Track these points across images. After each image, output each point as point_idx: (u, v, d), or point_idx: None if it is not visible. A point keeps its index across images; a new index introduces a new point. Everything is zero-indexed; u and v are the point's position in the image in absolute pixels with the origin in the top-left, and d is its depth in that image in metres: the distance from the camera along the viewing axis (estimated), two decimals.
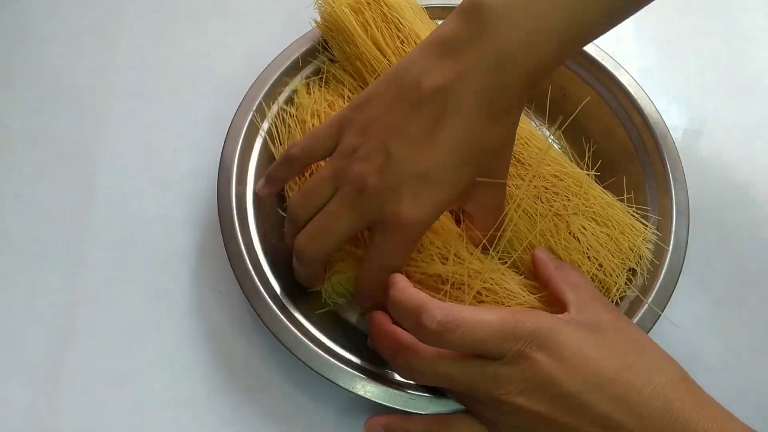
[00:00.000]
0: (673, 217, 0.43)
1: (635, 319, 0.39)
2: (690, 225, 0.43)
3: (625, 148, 0.46)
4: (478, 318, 0.31)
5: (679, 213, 0.43)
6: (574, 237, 0.41)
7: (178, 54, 0.54)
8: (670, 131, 0.46)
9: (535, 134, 0.45)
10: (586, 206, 0.42)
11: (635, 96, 0.45)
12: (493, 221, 0.40)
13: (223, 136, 0.50)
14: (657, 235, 0.42)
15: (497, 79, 0.33)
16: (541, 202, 0.42)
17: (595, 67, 0.47)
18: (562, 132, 0.47)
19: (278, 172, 0.41)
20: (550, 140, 0.47)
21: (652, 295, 0.40)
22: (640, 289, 0.41)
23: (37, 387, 0.43)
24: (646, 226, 0.42)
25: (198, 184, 0.49)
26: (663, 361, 0.33)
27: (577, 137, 0.47)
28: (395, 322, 0.37)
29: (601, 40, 0.47)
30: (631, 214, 0.42)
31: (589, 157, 0.45)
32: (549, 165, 0.43)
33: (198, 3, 0.56)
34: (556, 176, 0.42)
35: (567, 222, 0.41)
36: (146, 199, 0.48)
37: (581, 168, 0.44)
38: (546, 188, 0.42)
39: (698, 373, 0.44)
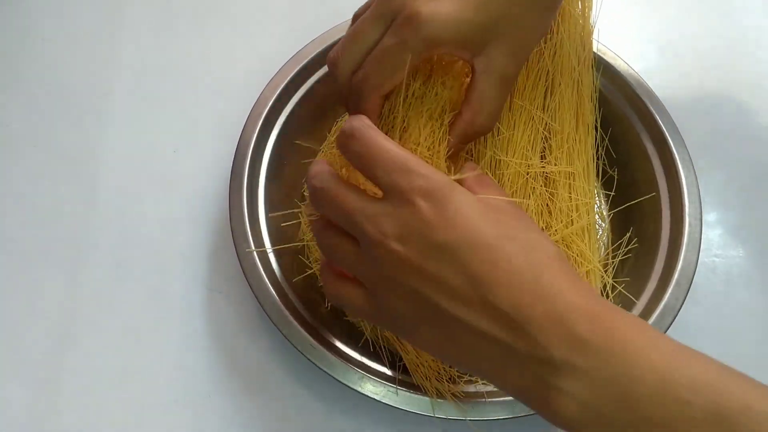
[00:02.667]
0: (682, 251, 0.42)
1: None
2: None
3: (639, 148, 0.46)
4: (384, 143, 0.31)
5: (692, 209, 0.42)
6: None
7: (179, 54, 0.54)
8: None
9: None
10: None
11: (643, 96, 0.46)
12: (490, 102, 0.37)
13: (223, 136, 0.50)
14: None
15: None
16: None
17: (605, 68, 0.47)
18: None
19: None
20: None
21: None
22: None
23: (37, 387, 0.43)
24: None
25: (199, 184, 0.49)
26: (546, 242, 0.31)
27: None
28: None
29: (601, 41, 0.47)
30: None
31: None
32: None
33: (199, 4, 0.56)
34: (566, 246, 0.42)
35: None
36: (147, 199, 0.48)
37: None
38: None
39: None
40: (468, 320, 0.29)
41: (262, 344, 0.44)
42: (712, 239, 0.48)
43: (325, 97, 0.47)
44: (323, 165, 0.33)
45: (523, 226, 0.31)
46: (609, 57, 0.46)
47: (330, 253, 0.33)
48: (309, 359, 0.39)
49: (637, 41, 0.55)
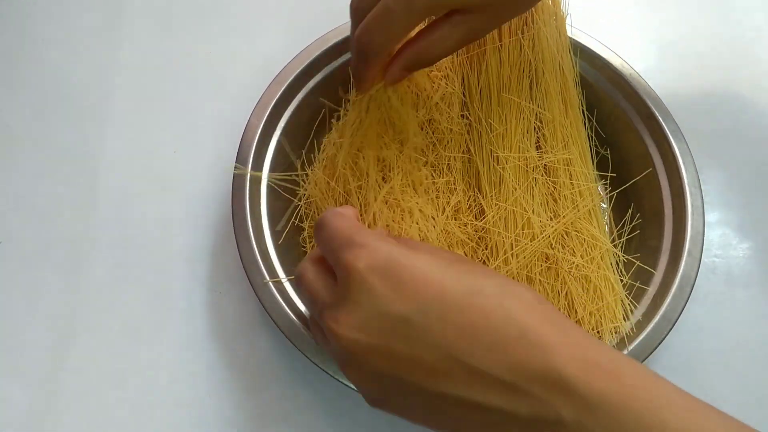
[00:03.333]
0: (689, 220, 0.42)
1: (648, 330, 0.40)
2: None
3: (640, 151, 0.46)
4: (338, 222, 0.31)
5: (695, 212, 0.43)
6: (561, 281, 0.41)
7: (179, 55, 0.54)
8: None
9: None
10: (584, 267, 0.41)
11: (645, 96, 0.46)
12: (448, 46, 0.36)
13: (223, 136, 0.50)
14: (628, 320, 0.41)
15: None
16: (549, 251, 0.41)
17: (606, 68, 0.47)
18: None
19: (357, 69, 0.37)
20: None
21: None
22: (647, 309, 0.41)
23: (37, 387, 0.43)
24: (627, 313, 0.41)
25: (199, 185, 0.49)
26: (516, 286, 0.28)
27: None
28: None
29: (601, 40, 0.47)
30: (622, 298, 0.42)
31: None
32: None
33: (199, 4, 0.56)
34: (576, 231, 0.42)
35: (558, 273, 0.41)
36: (147, 200, 0.48)
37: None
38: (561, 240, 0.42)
39: (700, 373, 0.45)
40: (455, 394, 0.26)
41: (262, 344, 0.44)
42: (713, 239, 0.48)
43: (327, 95, 0.47)
44: (313, 256, 0.33)
45: (481, 271, 0.29)
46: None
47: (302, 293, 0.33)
48: (309, 359, 0.39)
49: (637, 41, 0.55)
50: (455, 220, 0.43)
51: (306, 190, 0.45)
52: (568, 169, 0.43)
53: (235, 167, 0.43)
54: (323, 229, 0.31)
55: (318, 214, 0.44)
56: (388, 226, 0.41)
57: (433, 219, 0.42)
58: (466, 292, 0.27)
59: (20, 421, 0.42)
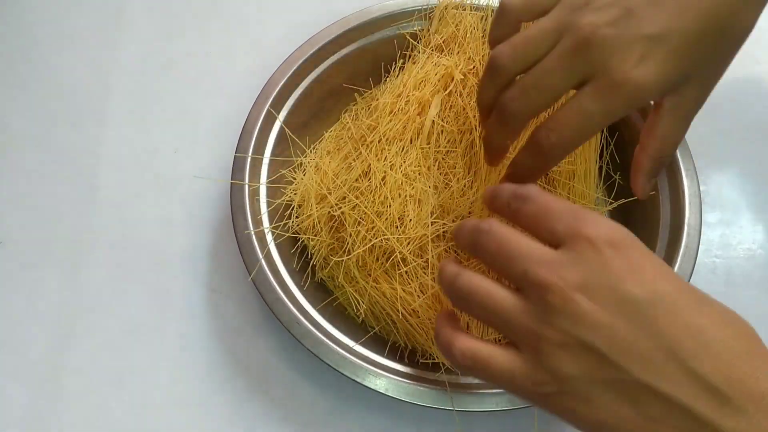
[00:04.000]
0: (686, 216, 0.42)
1: None
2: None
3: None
4: (557, 199, 0.29)
5: (692, 206, 0.42)
6: None
7: (179, 54, 0.54)
8: None
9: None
10: None
11: None
12: (676, 136, 0.36)
13: (223, 136, 0.50)
14: None
15: None
16: None
17: None
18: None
19: (493, 31, 0.35)
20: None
21: None
22: None
23: (37, 387, 0.43)
24: None
25: (199, 184, 0.49)
26: (737, 314, 0.28)
27: None
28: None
29: None
30: None
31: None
32: None
33: (199, 4, 0.56)
34: None
35: None
36: (147, 200, 0.48)
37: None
38: None
39: None
40: (662, 388, 0.26)
41: (262, 344, 0.44)
42: (713, 240, 0.48)
43: (332, 83, 0.48)
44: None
45: (699, 291, 0.28)
46: None
47: (473, 301, 0.29)
48: (316, 355, 0.38)
49: None
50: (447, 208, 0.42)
51: (299, 181, 0.45)
52: (569, 183, 0.43)
53: (236, 152, 0.43)
54: (531, 203, 0.29)
55: (310, 206, 0.44)
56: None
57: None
58: (699, 299, 0.27)
59: (20, 422, 0.42)
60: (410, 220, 0.41)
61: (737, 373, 0.26)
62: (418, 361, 0.41)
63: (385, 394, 0.38)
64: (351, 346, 0.40)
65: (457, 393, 0.38)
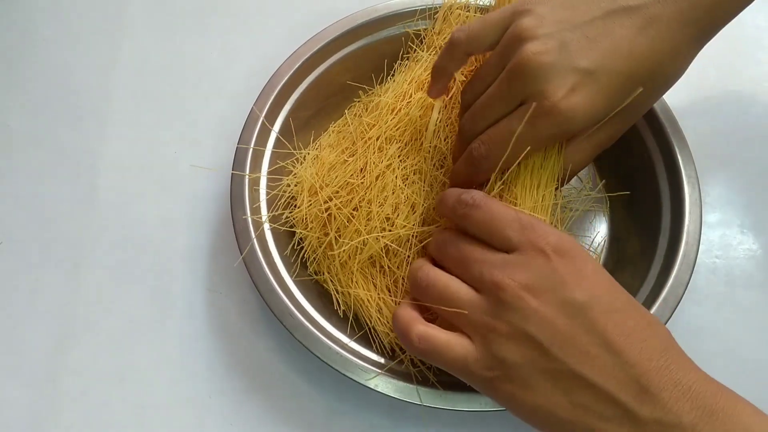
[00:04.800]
0: (686, 214, 0.42)
1: None
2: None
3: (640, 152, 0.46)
4: (506, 208, 0.33)
5: (692, 207, 0.42)
6: None
7: (180, 55, 0.54)
8: None
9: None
10: None
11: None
12: (586, 159, 0.38)
13: (223, 136, 0.50)
14: None
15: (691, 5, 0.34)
16: None
17: None
18: None
19: (441, 62, 0.39)
20: None
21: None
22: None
23: (37, 387, 0.43)
24: None
25: (199, 184, 0.49)
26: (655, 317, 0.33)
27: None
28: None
29: None
30: None
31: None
32: None
33: (200, 4, 0.56)
34: None
35: None
36: (147, 200, 0.49)
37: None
38: None
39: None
40: (595, 380, 0.29)
41: (262, 344, 0.44)
42: (713, 240, 0.48)
43: (336, 79, 0.48)
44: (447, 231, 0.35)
45: (628, 295, 0.32)
46: None
47: (432, 292, 0.34)
48: (316, 355, 0.38)
49: None
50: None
51: (296, 171, 0.45)
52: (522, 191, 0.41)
53: (237, 144, 0.43)
54: (477, 209, 0.33)
55: (305, 201, 0.44)
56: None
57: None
58: (628, 303, 0.31)
59: (20, 422, 0.42)
60: (397, 219, 0.41)
61: (656, 365, 0.29)
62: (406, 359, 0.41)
63: (386, 395, 0.38)
64: (345, 342, 0.40)
65: (452, 392, 0.38)
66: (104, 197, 0.49)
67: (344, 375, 0.38)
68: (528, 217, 0.33)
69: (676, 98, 0.46)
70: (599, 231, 0.47)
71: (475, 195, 0.34)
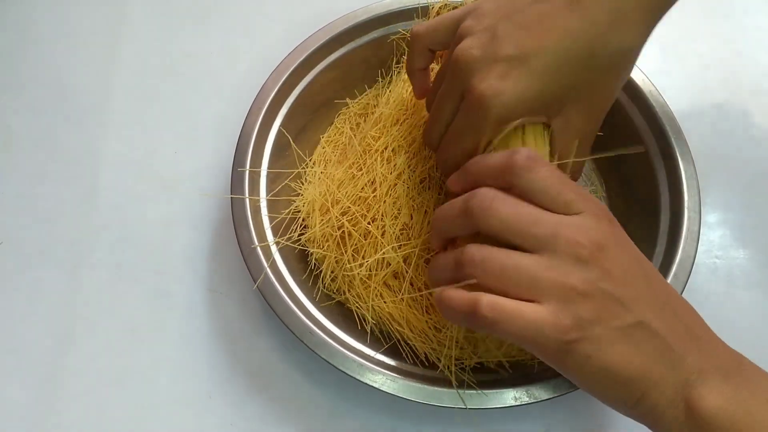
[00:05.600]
0: (685, 213, 0.42)
1: None
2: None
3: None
4: (556, 170, 0.33)
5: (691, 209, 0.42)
6: None
7: (180, 55, 0.54)
8: None
9: None
10: None
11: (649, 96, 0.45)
12: (572, 150, 0.38)
13: (223, 136, 0.50)
14: None
15: None
16: None
17: None
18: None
19: (409, 60, 0.41)
20: None
21: None
22: None
23: (37, 387, 0.43)
24: None
25: (199, 184, 0.49)
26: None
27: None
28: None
29: None
30: None
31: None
32: None
33: (200, 4, 0.56)
34: None
35: None
36: (147, 200, 0.48)
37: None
38: None
39: None
40: (660, 331, 0.31)
41: (262, 344, 0.44)
42: (713, 240, 0.48)
43: (324, 89, 0.48)
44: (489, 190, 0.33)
45: None
46: None
47: (491, 265, 0.31)
48: (319, 355, 0.38)
49: None
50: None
51: (304, 190, 0.45)
52: None
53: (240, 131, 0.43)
54: (542, 169, 0.32)
55: (313, 211, 0.44)
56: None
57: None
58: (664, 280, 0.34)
59: (20, 422, 0.42)
60: (415, 227, 0.41)
61: (693, 327, 0.32)
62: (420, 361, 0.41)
63: (390, 393, 0.38)
64: (371, 354, 0.40)
65: (464, 392, 0.38)
66: (104, 197, 0.49)
67: (356, 379, 0.38)
68: (579, 186, 0.33)
69: (676, 99, 0.46)
70: None
71: (532, 152, 0.32)
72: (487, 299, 0.31)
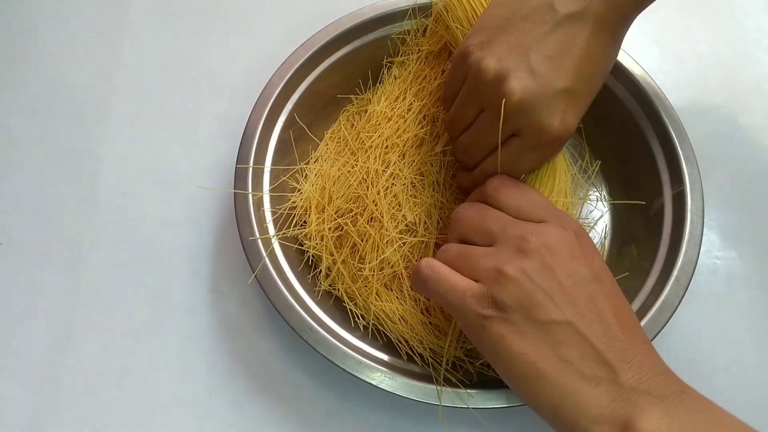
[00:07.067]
0: (688, 217, 0.42)
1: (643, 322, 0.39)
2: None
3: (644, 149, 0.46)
4: (525, 190, 0.38)
5: (694, 214, 0.42)
6: None
7: (180, 55, 0.54)
8: None
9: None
10: None
11: (648, 89, 0.45)
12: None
13: (223, 136, 0.50)
14: None
15: (618, 2, 0.36)
16: None
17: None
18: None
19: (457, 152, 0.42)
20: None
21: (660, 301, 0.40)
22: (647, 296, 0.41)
23: (37, 387, 0.43)
24: None
25: (200, 185, 0.49)
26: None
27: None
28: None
29: None
30: None
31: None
32: None
33: (200, 4, 0.56)
34: None
35: None
36: (147, 200, 0.48)
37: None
38: None
39: (701, 374, 0.45)
40: (587, 336, 0.31)
41: (262, 344, 0.44)
42: (714, 241, 0.48)
43: (330, 86, 0.48)
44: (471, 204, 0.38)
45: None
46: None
47: (451, 253, 0.36)
48: (320, 353, 0.38)
49: (638, 43, 0.55)
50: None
51: (301, 187, 0.45)
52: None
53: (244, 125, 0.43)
54: (511, 189, 0.37)
55: (309, 208, 0.44)
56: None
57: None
58: (624, 299, 0.34)
59: (20, 421, 0.42)
60: (416, 224, 0.41)
61: (640, 347, 0.32)
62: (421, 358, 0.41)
63: (389, 391, 0.38)
64: (370, 352, 0.40)
65: (457, 390, 0.38)
66: (104, 197, 0.49)
67: (357, 377, 0.38)
68: (552, 205, 0.37)
69: (677, 99, 0.46)
70: (600, 231, 0.47)
71: (503, 179, 0.38)
72: (426, 260, 0.35)
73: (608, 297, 0.33)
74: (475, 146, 0.39)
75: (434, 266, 0.35)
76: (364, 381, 0.38)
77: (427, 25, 0.47)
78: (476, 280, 0.34)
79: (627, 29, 0.38)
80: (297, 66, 0.45)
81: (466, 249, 0.35)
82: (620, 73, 0.46)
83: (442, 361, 0.39)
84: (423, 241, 0.42)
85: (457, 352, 0.40)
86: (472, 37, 0.38)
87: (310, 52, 0.46)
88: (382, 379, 0.38)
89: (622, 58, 0.46)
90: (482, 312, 0.33)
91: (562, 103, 0.36)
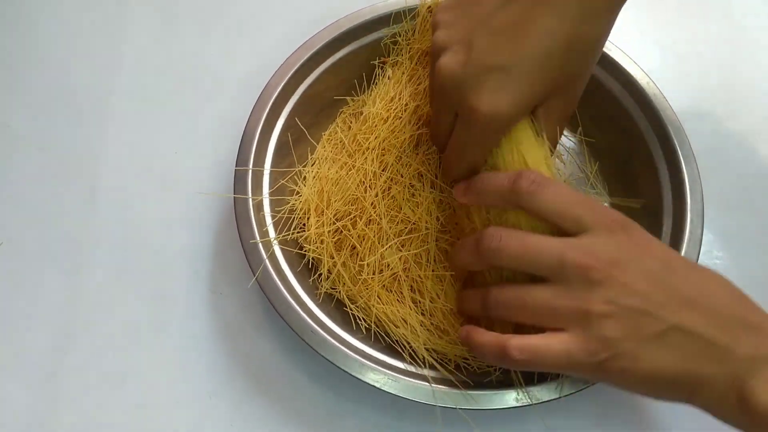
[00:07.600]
0: (688, 217, 0.42)
1: None
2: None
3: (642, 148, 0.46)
4: (571, 190, 0.34)
5: (694, 220, 0.42)
6: None
7: (181, 55, 0.54)
8: None
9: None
10: None
11: (648, 92, 0.45)
12: (555, 131, 0.38)
13: (223, 136, 0.50)
14: None
15: None
16: None
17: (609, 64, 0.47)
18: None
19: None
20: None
21: None
22: None
23: (37, 387, 0.43)
24: None
25: (199, 185, 0.49)
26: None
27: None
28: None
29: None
30: None
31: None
32: None
33: (200, 4, 0.56)
34: None
35: None
36: (148, 201, 0.48)
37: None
38: None
39: None
40: (695, 329, 0.31)
41: (263, 345, 0.44)
42: (714, 241, 0.48)
43: (328, 88, 0.48)
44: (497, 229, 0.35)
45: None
46: (615, 55, 0.46)
47: (513, 307, 0.34)
48: (321, 354, 0.38)
49: (638, 43, 0.55)
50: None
51: (300, 190, 0.45)
52: None
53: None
54: (547, 189, 0.33)
55: (309, 211, 0.43)
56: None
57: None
58: (685, 260, 0.34)
59: (20, 421, 0.42)
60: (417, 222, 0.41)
61: (737, 312, 0.31)
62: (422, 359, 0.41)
63: (391, 393, 0.38)
64: (372, 354, 0.40)
65: (460, 391, 0.38)
66: (104, 197, 0.49)
67: (356, 377, 0.38)
68: (589, 197, 0.34)
69: (677, 99, 0.46)
70: None
71: (536, 175, 0.34)
72: (515, 342, 0.32)
73: (686, 279, 0.32)
74: (435, 126, 0.39)
75: (525, 347, 0.32)
76: (367, 383, 0.38)
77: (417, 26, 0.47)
78: (562, 328, 0.32)
79: (605, 8, 0.35)
80: (296, 67, 0.45)
81: (529, 295, 0.33)
82: (619, 73, 0.46)
83: (444, 363, 0.39)
84: (423, 240, 0.42)
85: (460, 352, 0.40)
86: (440, 12, 0.37)
87: (309, 53, 0.46)
88: (385, 381, 0.38)
89: (621, 58, 0.46)
90: (595, 360, 0.31)
91: (494, 82, 0.33)
